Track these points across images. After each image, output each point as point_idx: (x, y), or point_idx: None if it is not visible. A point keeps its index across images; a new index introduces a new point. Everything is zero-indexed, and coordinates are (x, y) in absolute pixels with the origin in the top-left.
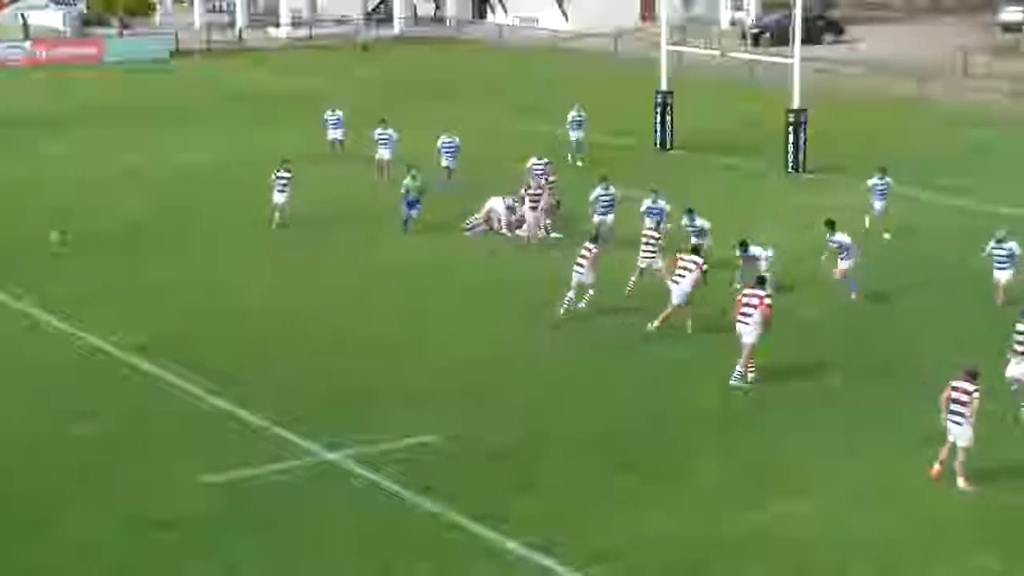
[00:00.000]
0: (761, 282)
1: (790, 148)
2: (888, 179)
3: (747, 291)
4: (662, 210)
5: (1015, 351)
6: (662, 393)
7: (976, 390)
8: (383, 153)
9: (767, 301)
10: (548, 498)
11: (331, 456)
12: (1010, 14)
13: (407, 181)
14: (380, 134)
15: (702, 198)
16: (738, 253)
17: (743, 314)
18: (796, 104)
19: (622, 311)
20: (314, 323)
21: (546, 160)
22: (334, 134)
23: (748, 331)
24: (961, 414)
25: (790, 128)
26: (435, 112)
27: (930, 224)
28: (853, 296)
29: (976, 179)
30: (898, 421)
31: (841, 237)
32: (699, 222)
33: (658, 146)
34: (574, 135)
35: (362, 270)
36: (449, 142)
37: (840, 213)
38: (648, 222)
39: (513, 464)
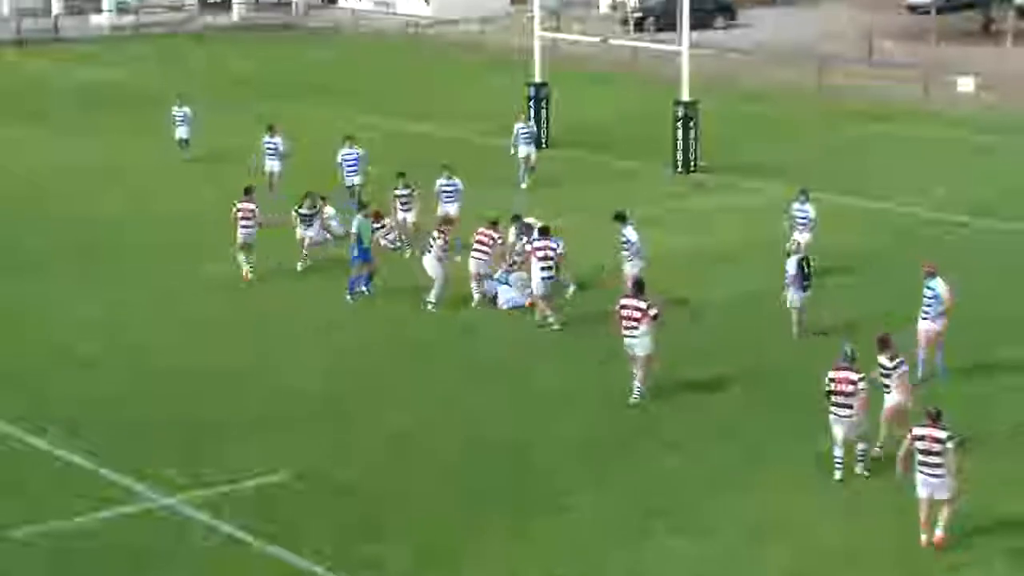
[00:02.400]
0: (639, 288)
1: (678, 144)
2: (808, 206)
3: (626, 300)
4: (457, 188)
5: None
6: (528, 421)
7: (950, 437)
8: (272, 165)
9: (652, 312)
10: (409, 536)
11: (166, 500)
12: None
13: (360, 221)
14: (268, 143)
15: (578, 200)
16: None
17: (627, 328)
18: (685, 96)
19: (481, 335)
20: (149, 356)
21: (457, 181)
22: (180, 132)
23: (639, 344)
24: (938, 465)
25: (678, 123)
26: (286, 112)
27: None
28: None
29: (886, 179)
30: (788, 451)
31: (630, 233)
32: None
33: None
34: (523, 151)
35: (196, 293)
36: (349, 153)
37: (730, 215)
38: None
39: (367, 501)
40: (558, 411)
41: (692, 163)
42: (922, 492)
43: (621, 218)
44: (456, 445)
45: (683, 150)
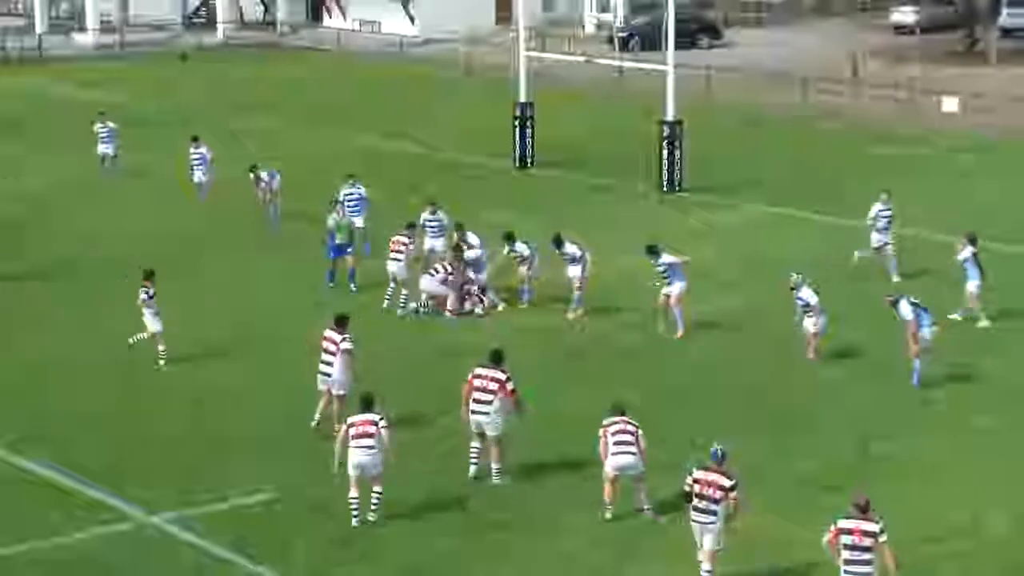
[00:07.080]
0: (497, 359)
1: (664, 164)
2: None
3: (480, 371)
4: (442, 224)
5: None
6: (523, 443)
7: (882, 529)
8: (198, 176)
9: (509, 387)
10: (398, 556)
11: (153, 519)
12: (904, 14)
13: (334, 218)
14: (193, 153)
15: (564, 221)
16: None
17: (478, 401)
18: (670, 116)
19: (451, 355)
20: (127, 374)
21: (442, 216)
22: (104, 148)
23: (488, 422)
24: (867, 563)
25: (664, 142)
26: (276, 135)
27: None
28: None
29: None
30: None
31: (668, 258)
32: (519, 247)
33: (518, 164)
34: (877, 238)
35: (179, 309)
36: (350, 194)
37: (718, 236)
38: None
39: (355, 525)
40: (556, 433)
41: (677, 183)
42: None
43: (652, 250)
44: (446, 465)
45: (668, 169)
